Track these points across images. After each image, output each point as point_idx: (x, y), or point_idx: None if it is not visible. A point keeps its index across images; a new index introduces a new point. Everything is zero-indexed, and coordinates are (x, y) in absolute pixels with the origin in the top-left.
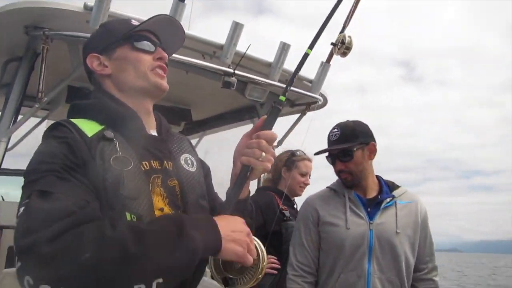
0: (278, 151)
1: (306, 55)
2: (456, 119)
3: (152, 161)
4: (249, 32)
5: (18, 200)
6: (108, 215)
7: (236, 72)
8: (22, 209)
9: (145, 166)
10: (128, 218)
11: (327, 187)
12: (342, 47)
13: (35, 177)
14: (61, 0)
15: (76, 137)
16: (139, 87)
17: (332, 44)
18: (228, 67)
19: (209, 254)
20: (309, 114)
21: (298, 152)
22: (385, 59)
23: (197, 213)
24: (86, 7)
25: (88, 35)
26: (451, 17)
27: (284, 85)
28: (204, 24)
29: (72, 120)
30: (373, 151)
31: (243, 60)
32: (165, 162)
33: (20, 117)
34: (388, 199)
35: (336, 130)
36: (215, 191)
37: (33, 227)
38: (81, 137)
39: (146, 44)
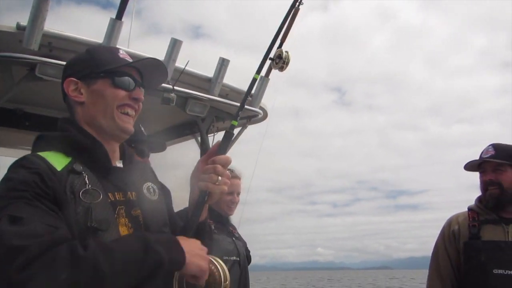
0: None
1: (254, 80)
2: (383, 142)
3: (116, 193)
4: (187, 53)
5: None
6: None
7: (176, 88)
8: None
9: (111, 198)
10: None
11: None
12: (280, 61)
13: (4, 204)
14: None
15: (46, 169)
16: (104, 126)
17: (270, 59)
18: (168, 83)
19: (175, 267)
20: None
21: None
22: (318, 83)
23: None
24: (19, 27)
25: (21, 55)
26: (378, 44)
27: (224, 100)
28: (142, 45)
29: (40, 153)
30: None
31: (182, 76)
32: (128, 193)
33: None
34: None
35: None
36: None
37: (7, 254)
38: (50, 170)
39: (126, 81)
